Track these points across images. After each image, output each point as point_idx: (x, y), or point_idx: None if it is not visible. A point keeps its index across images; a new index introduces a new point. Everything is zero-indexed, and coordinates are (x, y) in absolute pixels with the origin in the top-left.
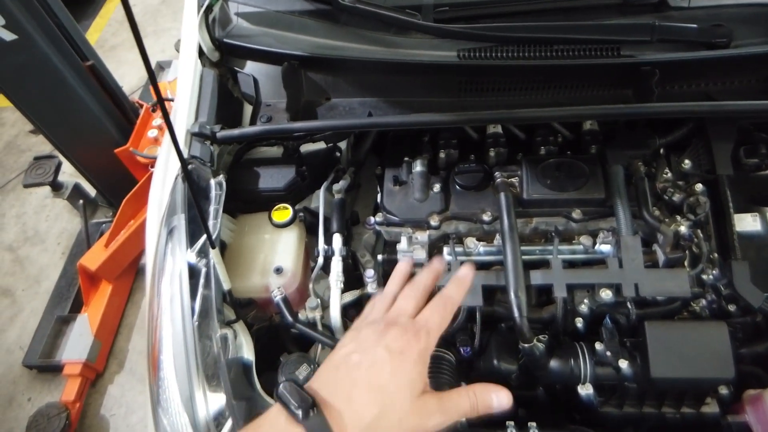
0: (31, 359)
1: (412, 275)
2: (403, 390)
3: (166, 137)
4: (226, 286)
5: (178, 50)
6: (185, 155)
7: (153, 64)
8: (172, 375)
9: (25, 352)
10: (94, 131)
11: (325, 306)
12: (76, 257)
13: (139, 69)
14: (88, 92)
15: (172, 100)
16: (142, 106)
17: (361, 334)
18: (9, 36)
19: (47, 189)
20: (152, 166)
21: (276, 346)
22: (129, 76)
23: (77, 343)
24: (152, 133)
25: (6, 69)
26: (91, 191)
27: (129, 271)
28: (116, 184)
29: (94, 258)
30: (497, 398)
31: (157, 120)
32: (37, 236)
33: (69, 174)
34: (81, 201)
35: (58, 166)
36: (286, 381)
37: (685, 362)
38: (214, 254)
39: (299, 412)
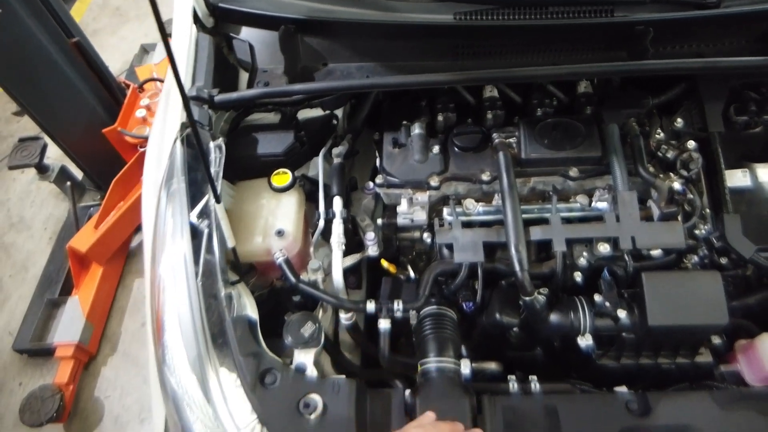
0: (21, 343)
1: None
2: None
3: (161, 107)
4: (230, 243)
5: None
6: (183, 119)
7: (137, 47)
8: (178, 335)
9: (14, 338)
10: (81, 111)
11: (326, 272)
12: (64, 242)
13: (123, 53)
14: (74, 70)
15: (158, 80)
16: (128, 86)
17: None
18: None
19: (32, 174)
20: (141, 146)
21: (277, 313)
22: (112, 61)
23: (69, 326)
24: (140, 113)
25: None
26: (78, 174)
27: (119, 253)
28: (104, 166)
29: (83, 240)
30: None
31: (145, 100)
32: (23, 222)
33: (54, 158)
34: (68, 183)
35: (44, 147)
36: None
37: (681, 310)
38: (219, 209)
39: None
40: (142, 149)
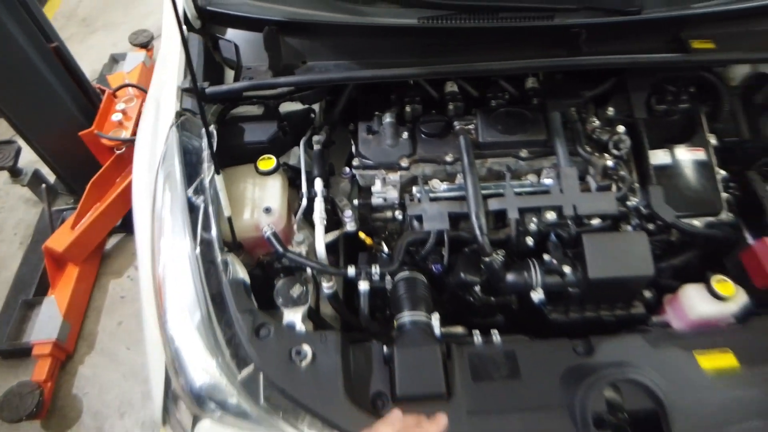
0: None
1: None
2: None
3: (151, 102)
4: (227, 212)
5: (132, 43)
6: (177, 109)
7: (105, 56)
8: (181, 297)
9: None
10: (59, 114)
11: (309, 248)
12: (36, 245)
13: (91, 62)
14: (53, 74)
15: (133, 86)
16: (103, 92)
17: None
18: None
19: (0, 182)
20: (117, 149)
21: (262, 290)
22: (82, 68)
23: (46, 324)
24: (116, 117)
25: None
26: (51, 179)
27: (95, 254)
28: (79, 169)
29: (60, 240)
30: None
31: (121, 104)
32: None
33: (24, 163)
34: (43, 186)
35: (18, 151)
36: None
37: (615, 264)
38: (218, 180)
39: None
40: (118, 152)
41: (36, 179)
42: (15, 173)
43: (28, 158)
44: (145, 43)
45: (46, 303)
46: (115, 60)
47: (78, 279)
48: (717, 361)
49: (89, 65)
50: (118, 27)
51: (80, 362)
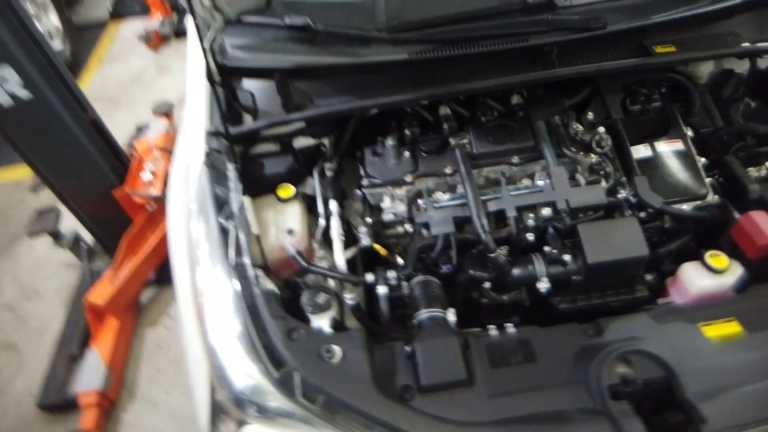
0: (44, 399)
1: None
2: None
3: (179, 144)
4: (255, 230)
5: (154, 112)
6: (206, 150)
7: (129, 127)
8: (220, 311)
9: (36, 397)
10: (96, 179)
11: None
12: (78, 304)
13: (117, 132)
14: (91, 144)
15: (160, 149)
16: (133, 156)
17: None
18: (26, 95)
19: (41, 250)
20: (148, 206)
21: (290, 311)
22: None
23: (91, 374)
24: (146, 177)
25: (22, 126)
26: (90, 241)
27: (132, 306)
28: (114, 228)
29: (100, 293)
30: None
31: (150, 165)
32: (36, 293)
33: (66, 228)
34: (84, 246)
35: (59, 215)
36: None
37: (611, 249)
38: (246, 201)
39: None
40: (150, 209)
41: (76, 242)
42: (57, 237)
43: (68, 224)
44: (167, 111)
45: (90, 354)
46: (139, 130)
47: (118, 329)
48: (721, 329)
49: (116, 136)
50: (138, 103)
51: (123, 409)
